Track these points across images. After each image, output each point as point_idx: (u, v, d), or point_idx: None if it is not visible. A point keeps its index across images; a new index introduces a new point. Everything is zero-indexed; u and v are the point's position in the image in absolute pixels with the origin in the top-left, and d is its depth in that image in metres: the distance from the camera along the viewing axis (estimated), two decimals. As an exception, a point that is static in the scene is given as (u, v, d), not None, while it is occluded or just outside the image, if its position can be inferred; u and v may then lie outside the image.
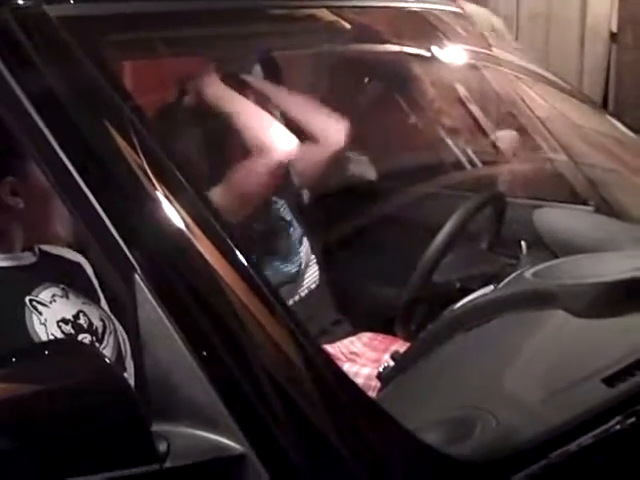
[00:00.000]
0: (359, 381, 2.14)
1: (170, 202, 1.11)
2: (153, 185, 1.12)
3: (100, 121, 1.19)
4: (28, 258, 1.63)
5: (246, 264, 1.08)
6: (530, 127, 2.38)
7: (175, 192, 1.13)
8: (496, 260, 2.20)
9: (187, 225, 1.10)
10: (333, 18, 2.17)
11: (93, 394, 0.95)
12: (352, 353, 2.30)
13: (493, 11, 4.45)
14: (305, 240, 2.32)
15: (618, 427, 1.09)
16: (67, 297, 1.61)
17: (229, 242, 1.09)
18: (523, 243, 2.34)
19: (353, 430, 1.03)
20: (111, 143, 1.17)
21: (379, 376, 1.87)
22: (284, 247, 2.26)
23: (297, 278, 2.25)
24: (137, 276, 1.06)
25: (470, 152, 2.58)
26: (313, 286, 2.28)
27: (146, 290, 1.05)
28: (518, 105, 2.37)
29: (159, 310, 1.04)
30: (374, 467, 1.02)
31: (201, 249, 1.09)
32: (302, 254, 2.29)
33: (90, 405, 0.95)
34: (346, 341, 2.32)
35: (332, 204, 2.47)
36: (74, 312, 1.60)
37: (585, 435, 1.07)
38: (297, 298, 2.27)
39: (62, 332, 1.56)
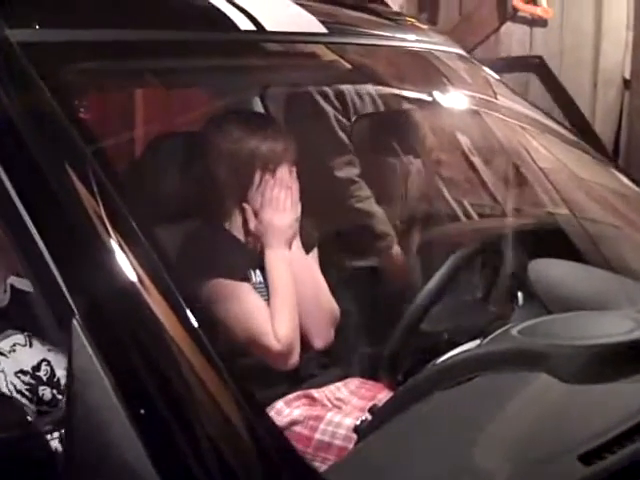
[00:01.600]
0: (341, 432, 2.06)
1: (122, 251, 1.04)
2: (106, 231, 1.06)
3: (55, 157, 1.14)
4: None
5: (194, 322, 1.01)
6: (532, 179, 2.31)
7: (129, 241, 1.06)
8: (489, 312, 2.14)
9: (138, 276, 1.04)
10: (333, 57, 2.12)
11: (5, 450, 0.88)
12: (338, 399, 2.22)
13: (505, 53, 4.44)
14: None
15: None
16: (30, 345, 1.55)
17: (179, 298, 1.02)
18: (520, 295, 2.27)
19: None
20: (64, 181, 1.11)
21: (356, 429, 1.79)
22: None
23: None
24: (75, 321, 0.99)
25: (467, 204, 2.52)
26: None
27: (83, 337, 0.98)
28: (521, 156, 2.31)
29: (95, 360, 0.96)
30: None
31: (150, 302, 1.02)
32: None
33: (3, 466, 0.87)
34: (332, 387, 2.25)
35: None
36: (34, 363, 1.54)
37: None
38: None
39: (22, 382, 1.51)
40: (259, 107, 2.73)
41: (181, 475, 0.94)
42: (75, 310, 1.00)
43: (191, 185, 2.12)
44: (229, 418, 0.96)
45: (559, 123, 2.35)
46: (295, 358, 2.07)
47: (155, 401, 0.97)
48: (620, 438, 1.15)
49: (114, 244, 1.05)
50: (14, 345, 1.53)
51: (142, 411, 0.96)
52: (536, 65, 3.49)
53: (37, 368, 1.53)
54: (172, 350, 1.00)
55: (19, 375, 1.50)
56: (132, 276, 1.03)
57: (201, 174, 2.11)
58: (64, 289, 1.02)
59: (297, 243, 2.15)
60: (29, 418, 0.93)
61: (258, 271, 2.12)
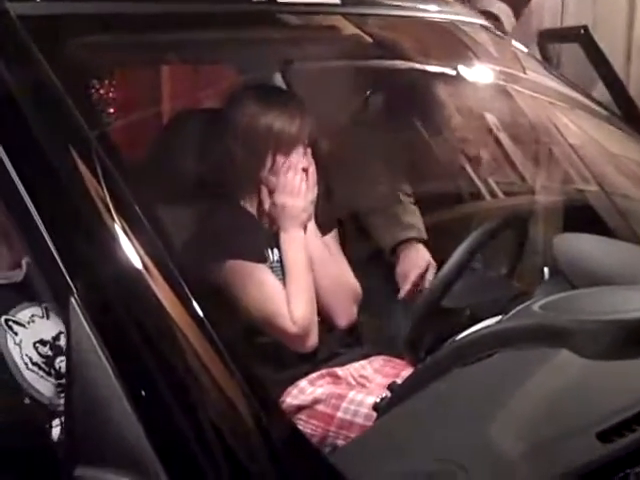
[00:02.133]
0: (363, 410, 2.04)
1: (123, 231, 1.02)
2: (107, 211, 1.04)
3: (56, 135, 1.11)
4: (13, 276, 1.55)
5: (194, 303, 0.99)
6: (561, 155, 2.26)
7: (129, 222, 1.04)
8: (513, 288, 2.09)
9: (139, 256, 1.02)
10: (354, 30, 2.08)
11: (3, 433, 0.86)
12: (362, 377, 2.21)
13: (538, 25, 4.35)
14: None
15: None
16: (47, 317, 1.54)
17: (180, 280, 1.00)
18: (546, 270, 2.23)
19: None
20: (65, 159, 1.09)
21: (375, 407, 1.77)
22: None
23: None
24: (73, 299, 0.96)
25: (492, 182, 2.47)
26: None
27: (80, 315, 0.96)
28: (550, 132, 2.25)
29: (93, 338, 0.94)
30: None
31: (150, 282, 1.00)
32: None
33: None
34: (357, 365, 2.23)
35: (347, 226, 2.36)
36: (54, 333, 1.52)
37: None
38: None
39: (39, 353, 1.49)
40: (280, 83, 2.69)
41: (180, 455, 0.92)
42: (73, 288, 0.98)
43: (209, 163, 2.09)
44: (231, 399, 0.94)
45: (590, 97, 2.29)
46: (313, 340, 2.05)
47: (154, 381, 0.95)
48: (640, 416, 1.11)
49: (114, 225, 1.03)
50: (33, 316, 1.52)
51: (142, 391, 0.94)
52: (581, 35, 3.41)
53: (57, 338, 1.52)
54: (172, 330, 0.98)
55: (37, 346, 1.49)
56: (132, 256, 1.01)
57: (218, 151, 2.08)
58: (62, 267, 1.00)
59: (313, 225, 2.12)
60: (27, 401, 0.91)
61: (276, 250, 2.10)
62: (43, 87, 1.14)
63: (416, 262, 2.26)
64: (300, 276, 2.05)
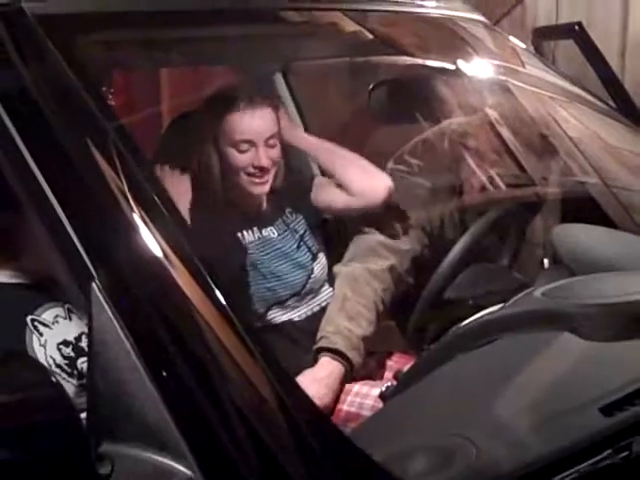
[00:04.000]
0: (368, 402, 2.07)
1: (141, 218, 1.06)
2: (125, 199, 1.07)
3: (74, 128, 1.15)
4: (36, 277, 1.58)
5: (215, 288, 1.02)
6: (561, 148, 2.28)
7: (147, 208, 1.07)
8: (514, 278, 2.12)
9: (157, 241, 1.05)
10: (355, 27, 2.11)
11: (32, 411, 0.89)
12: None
13: (531, 24, 4.38)
14: (322, 256, 2.26)
15: (608, 461, 0.99)
16: (70, 318, 1.56)
17: (197, 263, 1.03)
18: (546, 261, 2.26)
19: (317, 463, 0.96)
20: (82, 148, 1.12)
21: (381, 396, 1.80)
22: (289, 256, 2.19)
23: (302, 291, 2.18)
24: (94, 284, 1.00)
25: (494, 174, 2.49)
26: (324, 304, 2.21)
27: (102, 299, 0.99)
28: (550, 125, 2.28)
29: (114, 321, 0.98)
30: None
31: (168, 267, 1.03)
32: (315, 269, 2.22)
33: (27, 423, 0.89)
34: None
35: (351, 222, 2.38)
36: (76, 334, 1.55)
37: (570, 469, 0.98)
38: (309, 313, 2.20)
39: (62, 355, 1.51)
40: (281, 83, 2.72)
41: (202, 431, 0.95)
42: (94, 274, 1.01)
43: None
44: (251, 377, 0.97)
45: (588, 91, 2.32)
46: None
47: (175, 361, 0.98)
48: (641, 392, 1.15)
49: (132, 211, 1.06)
50: (56, 317, 1.54)
51: (163, 373, 0.97)
52: (575, 32, 3.44)
53: (79, 339, 1.54)
54: (191, 311, 1.01)
55: (61, 347, 1.52)
56: (150, 241, 1.04)
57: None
58: (83, 254, 1.03)
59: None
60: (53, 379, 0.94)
61: (255, 228, 2.16)
62: (59, 82, 1.17)
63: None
64: None
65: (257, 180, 2.11)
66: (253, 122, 2.08)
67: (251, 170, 2.10)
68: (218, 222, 2.10)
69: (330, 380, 1.98)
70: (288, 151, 2.23)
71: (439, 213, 2.28)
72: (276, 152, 2.13)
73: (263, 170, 2.10)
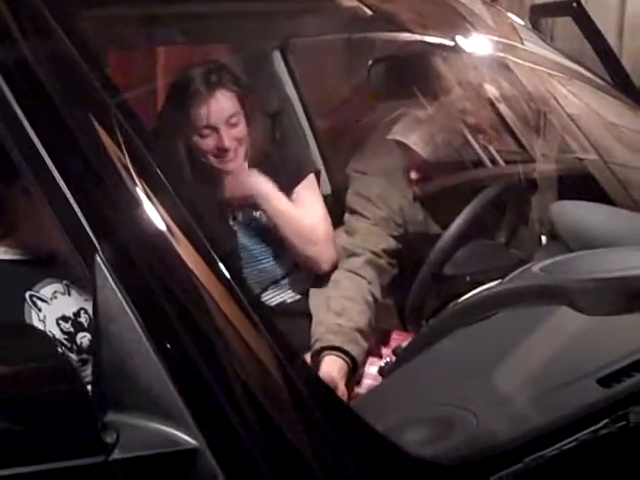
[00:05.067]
0: (367, 381, 2.09)
1: (144, 191, 1.06)
2: (127, 173, 1.07)
3: (76, 102, 1.14)
4: (34, 253, 1.59)
5: (217, 258, 1.03)
6: (560, 125, 2.28)
7: (149, 183, 1.07)
8: (512, 255, 2.13)
9: (160, 215, 1.05)
10: (354, 4, 2.11)
11: (37, 380, 0.91)
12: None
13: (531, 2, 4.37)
14: None
15: (605, 430, 1.01)
16: (69, 294, 1.58)
17: (200, 235, 1.04)
18: (544, 238, 2.27)
19: (321, 434, 0.97)
20: (84, 122, 1.12)
21: (380, 371, 1.82)
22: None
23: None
24: (98, 257, 1.01)
25: (493, 151, 2.49)
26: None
27: (106, 272, 1.00)
28: (549, 102, 2.28)
29: (118, 293, 0.99)
30: (341, 472, 0.96)
31: (171, 239, 1.03)
32: None
33: (33, 392, 0.90)
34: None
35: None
36: (75, 309, 1.56)
37: (568, 438, 0.99)
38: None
39: (61, 330, 1.53)
40: (279, 61, 2.71)
41: (205, 401, 0.97)
42: (98, 247, 1.02)
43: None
44: (254, 347, 0.98)
45: (587, 68, 2.32)
46: None
47: (179, 333, 0.99)
48: (638, 364, 1.16)
49: (135, 185, 1.07)
50: (55, 292, 1.56)
51: (167, 345, 0.99)
52: (573, 9, 3.44)
53: (77, 314, 1.56)
54: (194, 284, 1.01)
55: (60, 322, 1.53)
56: (153, 214, 1.05)
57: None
58: (87, 228, 1.04)
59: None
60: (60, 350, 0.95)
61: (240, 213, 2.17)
62: (61, 58, 1.17)
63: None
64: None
65: (225, 159, 2.11)
66: (209, 107, 2.06)
67: (217, 153, 2.10)
68: (207, 206, 2.09)
69: (333, 376, 1.94)
70: (286, 139, 2.22)
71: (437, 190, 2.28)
72: (239, 130, 2.11)
73: (227, 150, 2.09)
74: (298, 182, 2.20)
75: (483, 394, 1.15)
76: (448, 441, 1.04)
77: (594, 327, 1.33)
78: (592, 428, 1.01)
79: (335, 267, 2.14)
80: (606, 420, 1.01)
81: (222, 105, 2.08)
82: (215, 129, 2.07)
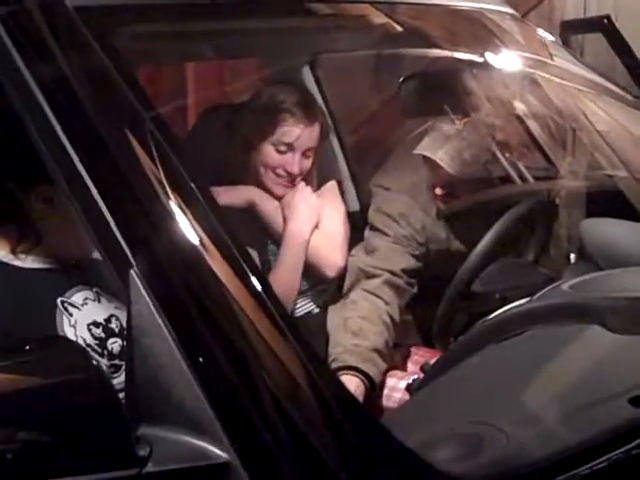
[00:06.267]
0: (396, 395, 2.09)
1: (179, 207, 1.07)
2: (162, 189, 1.09)
3: (114, 119, 1.16)
4: (64, 261, 1.62)
5: (250, 272, 1.04)
6: (590, 142, 2.28)
7: (185, 199, 1.09)
8: (541, 273, 2.12)
9: (194, 230, 1.06)
10: (384, 20, 2.12)
11: (72, 393, 0.92)
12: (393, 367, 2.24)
13: (559, 18, 4.36)
14: None
15: (637, 450, 1.00)
16: (99, 301, 1.60)
17: (233, 250, 1.05)
18: (572, 256, 2.26)
19: (351, 449, 0.98)
20: (120, 136, 1.14)
21: (408, 388, 1.82)
22: None
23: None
24: (133, 272, 1.02)
25: (522, 167, 2.48)
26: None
27: (140, 286, 1.01)
28: (578, 118, 2.27)
29: (152, 307, 1.00)
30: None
31: (204, 254, 1.05)
32: None
33: (67, 405, 0.91)
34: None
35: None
36: (106, 316, 1.59)
37: (600, 457, 0.99)
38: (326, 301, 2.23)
39: (92, 335, 1.56)
40: (309, 76, 2.73)
41: (237, 415, 0.97)
42: (133, 261, 1.03)
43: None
44: (286, 363, 0.99)
45: (617, 84, 2.31)
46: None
47: (211, 347, 1.00)
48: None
49: (169, 200, 1.08)
50: (86, 299, 1.59)
51: (200, 358, 0.99)
52: (604, 25, 3.44)
53: (109, 321, 1.58)
54: (227, 300, 1.02)
55: (91, 327, 1.56)
56: (188, 229, 1.06)
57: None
58: (122, 241, 1.05)
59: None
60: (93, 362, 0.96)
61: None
62: (98, 73, 1.19)
63: None
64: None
65: (283, 183, 2.14)
66: (303, 131, 2.11)
67: (281, 172, 2.13)
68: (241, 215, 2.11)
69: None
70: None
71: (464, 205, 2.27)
72: (308, 163, 2.16)
73: (291, 176, 2.13)
74: (319, 187, 2.24)
75: (514, 412, 1.15)
76: (478, 459, 1.04)
77: (625, 346, 1.32)
78: (624, 448, 1.00)
79: (341, 273, 2.15)
80: (638, 440, 1.01)
81: (311, 135, 2.14)
82: (292, 150, 2.11)
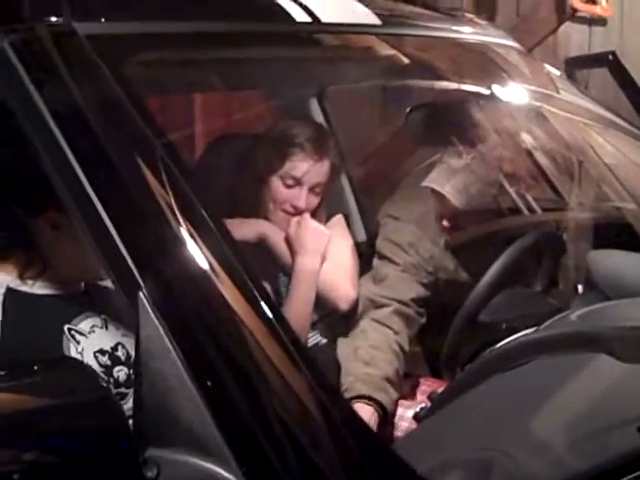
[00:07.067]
0: (403, 424, 2.08)
1: (188, 232, 1.08)
2: (172, 213, 1.09)
3: (124, 146, 1.17)
4: (72, 288, 1.62)
5: (259, 297, 1.04)
6: (597, 175, 2.28)
7: (193, 223, 1.09)
8: (548, 303, 2.12)
9: (203, 254, 1.07)
10: (391, 52, 2.14)
11: (80, 414, 0.92)
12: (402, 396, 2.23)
13: (564, 54, 4.39)
14: None
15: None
16: (106, 328, 1.60)
17: (242, 274, 1.05)
18: (580, 286, 2.26)
19: (360, 475, 0.97)
20: (130, 162, 1.15)
21: (415, 417, 1.81)
22: None
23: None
24: (141, 294, 1.02)
25: (530, 199, 2.49)
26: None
27: (149, 309, 1.01)
28: (585, 151, 2.28)
29: (161, 330, 1.00)
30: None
31: (213, 278, 1.05)
32: None
33: (75, 426, 0.91)
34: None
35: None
36: (112, 344, 1.59)
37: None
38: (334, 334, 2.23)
39: (98, 363, 1.55)
40: (316, 108, 2.75)
41: (245, 439, 0.97)
42: (142, 284, 1.04)
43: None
44: (294, 387, 0.99)
45: (623, 118, 2.32)
46: None
47: (220, 371, 1.00)
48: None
49: (179, 224, 1.09)
50: (93, 326, 1.58)
51: (208, 382, 0.99)
52: (609, 61, 3.48)
53: (115, 349, 1.58)
54: (236, 324, 1.03)
55: (97, 355, 1.55)
56: (197, 253, 1.07)
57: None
58: (131, 265, 1.06)
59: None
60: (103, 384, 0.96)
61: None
62: (109, 100, 1.20)
63: None
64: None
65: (288, 214, 2.13)
66: (312, 166, 2.11)
67: (287, 207, 2.12)
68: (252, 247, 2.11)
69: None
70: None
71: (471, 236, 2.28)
72: (316, 200, 2.15)
73: (298, 211, 2.12)
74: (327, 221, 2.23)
75: (522, 439, 1.14)
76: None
77: (633, 375, 1.31)
78: (632, 475, 0.99)
79: (353, 306, 2.15)
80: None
81: (320, 170, 2.12)
82: (300, 185, 2.10)
